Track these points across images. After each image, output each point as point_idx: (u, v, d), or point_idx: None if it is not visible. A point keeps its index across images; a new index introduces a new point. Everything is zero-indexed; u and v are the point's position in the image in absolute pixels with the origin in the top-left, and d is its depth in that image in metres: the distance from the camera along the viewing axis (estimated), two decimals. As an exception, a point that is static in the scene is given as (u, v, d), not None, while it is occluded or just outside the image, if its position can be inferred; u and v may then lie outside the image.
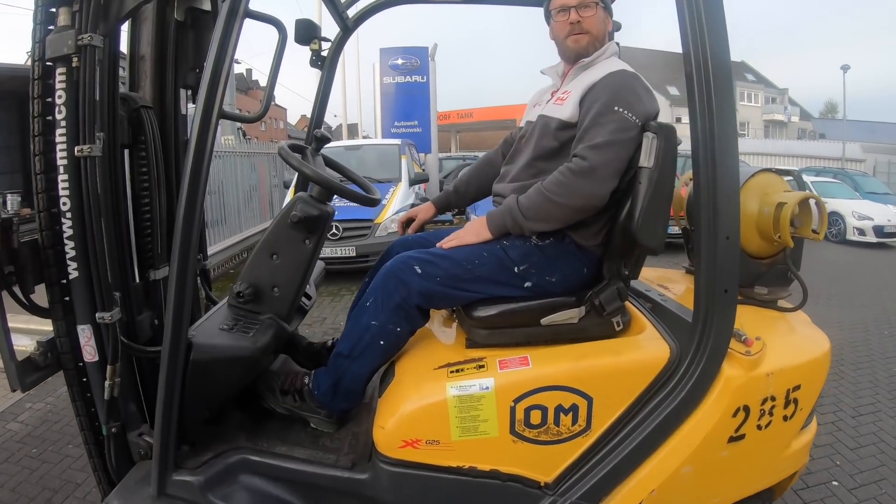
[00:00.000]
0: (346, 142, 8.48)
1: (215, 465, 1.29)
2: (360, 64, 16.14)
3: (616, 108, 1.20)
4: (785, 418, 1.35)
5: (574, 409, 1.20)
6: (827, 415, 2.63)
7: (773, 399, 1.31)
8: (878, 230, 8.93)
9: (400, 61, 10.23)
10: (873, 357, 3.49)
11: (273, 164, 8.09)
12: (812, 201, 1.47)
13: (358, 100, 16.01)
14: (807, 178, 10.74)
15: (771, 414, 1.32)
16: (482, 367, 1.21)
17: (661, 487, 1.24)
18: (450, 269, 1.23)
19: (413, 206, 5.71)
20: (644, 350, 1.25)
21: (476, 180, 1.60)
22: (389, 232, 5.21)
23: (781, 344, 1.38)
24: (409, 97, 10.28)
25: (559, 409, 1.19)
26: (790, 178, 1.60)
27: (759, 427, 1.30)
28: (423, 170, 7.66)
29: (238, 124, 8.18)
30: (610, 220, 1.29)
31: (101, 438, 1.42)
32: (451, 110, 21.70)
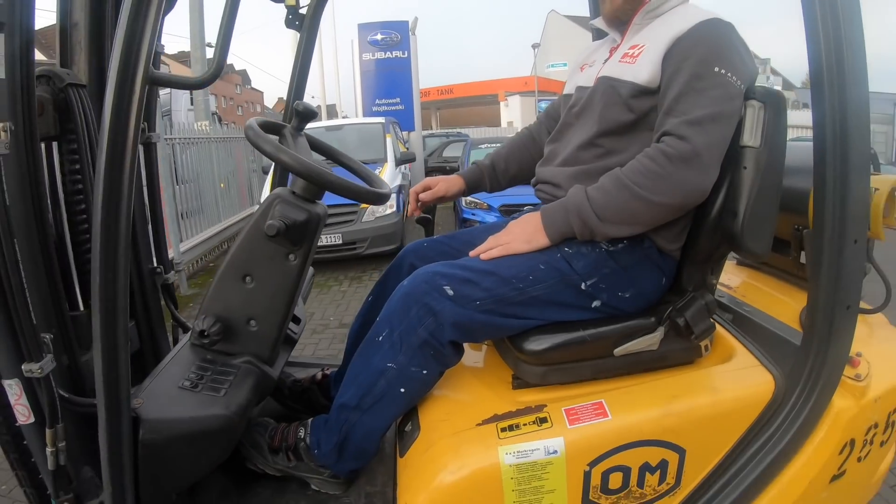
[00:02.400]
0: (325, 122, 7.32)
1: None
2: (337, 42, 14.42)
3: (717, 69, 0.77)
4: (882, 444, 1.00)
5: (663, 465, 0.80)
6: None
7: (875, 426, 0.95)
8: None
9: (379, 36, 9.01)
10: None
11: (250, 150, 6.95)
12: (897, 186, 1.09)
13: (336, 79, 14.39)
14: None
15: (871, 443, 0.96)
16: (545, 420, 0.78)
17: (757, 545, 0.87)
18: (495, 289, 0.80)
19: (400, 188, 4.90)
20: (744, 383, 0.86)
21: (517, 158, 1.11)
22: (377, 216, 4.41)
23: (877, 358, 1.02)
24: (390, 74, 9.07)
25: (645, 468, 0.80)
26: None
27: (858, 459, 0.95)
28: (408, 148, 6.79)
29: (213, 108, 7.19)
30: (694, 215, 0.87)
31: (53, 517, 0.95)
32: (430, 87, 19.75)
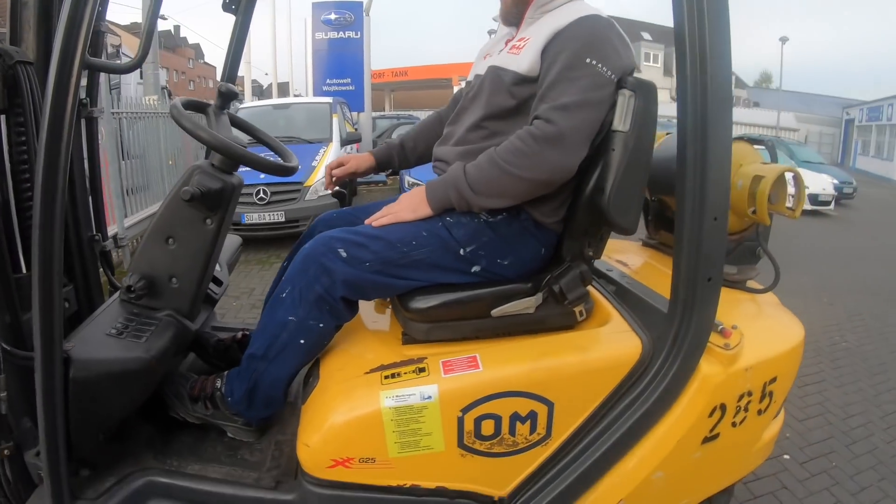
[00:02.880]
0: (273, 100, 7.39)
1: (119, 492, 0.95)
2: (291, 20, 13.87)
3: (588, 61, 0.87)
4: (759, 412, 1.09)
5: (532, 416, 0.90)
6: None
7: (749, 394, 1.04)
8: (813, 198, 8.56)
9: (333, 16, 9.06)
10: (814, 325, 3.27)
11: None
12: (790, 175, 1.18)
13: (289, 57, 13.90)
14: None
15: (746, 410, 1.05)
16: (423, 370, 0.89)
17: (630, 497, 0.97)
18: (382, 251, 0.90)
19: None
20: (612, 345, 0.96)
21: (424, 138, 1.22)
22: (320, 195, 4.53)
23: (757, 332, 1.10)
24: (341, 54, 9.12)
25: (515, 418, 0.90)
26: (762, 147, 1.31)
27: (733, 424, 1.04)
28: (356, 129, 6.85)
29: (164, 83, 7.12)
30: (573, 192, 0.96)
31: (-4, 463, 1.06)
32: (385, 68, 19.76)
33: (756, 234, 1.24)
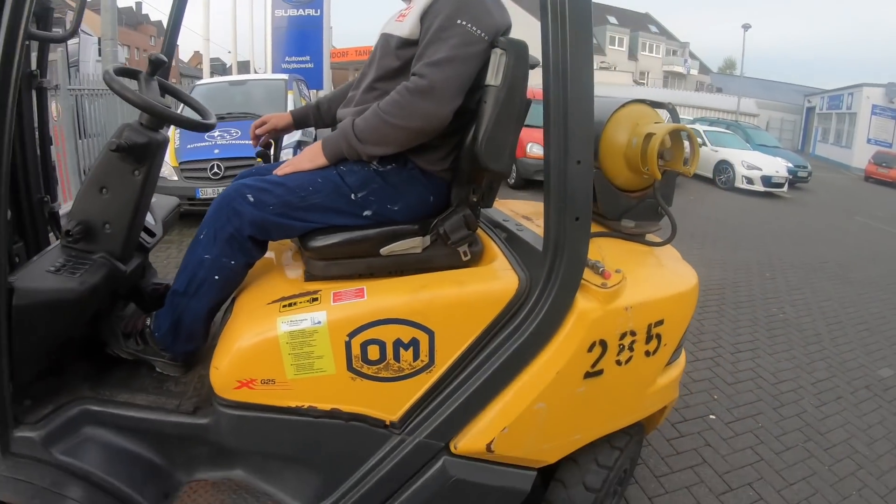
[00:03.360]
0: (230, 77, 7.53)
1: (56, 419, 1.08)
2: None
3: (459, 21, 0.99)
4: (647, 353, 1.19)
5: (414, 343, 1.02)
6: (706, 351, 2.51)
7: (633, 334, 1.14)
8: (766, 180, 8.86)
9: None
10: (754, 298, 3.41)
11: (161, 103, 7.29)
12: (683, 134, 1.28)
13: (251, 36, 13.55)
14: (700, 127, 10.53)
15: (631, 349, 1.15)
16: (315, 300, 1.01)
17: (513, 425, 1.07)
18: (284, 196, 1.03)
19: (300, 143, 4.74)
20: (490, 280, 1.07)
21: (338, 101, 1.34)
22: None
23: (645, 278, 1.22)
24: (301, 31, 9.30)
25: (398, 344, 1.01)
26: (664, 111, 1.41)
27: (618, 363, 1.14)
28: None
29: (124, 61, 7.32)
30: (458, 143, 1.09)
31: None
32: (349, 47, 19.58)
33: (655, 192, 1.34)
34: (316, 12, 9.28)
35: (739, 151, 9.54)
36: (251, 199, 1.02)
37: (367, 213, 1.06)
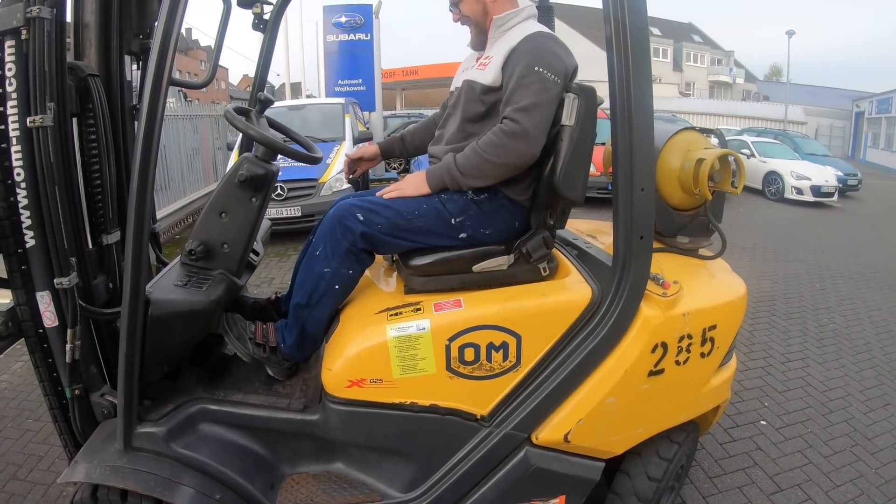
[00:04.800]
0: (289, 102, 8.84)
1: (176, 416, 1.47)
2: (303, 22, 15.99)
3: (537, 69, 1.38)
4: (702, 355, 1.59)
5: (504, 346, 1.41)
6: (757, 360, 2.96)
7: (689, 337, 1.54)
8: (815, 190, 9.79)
9: (343, 19, 10.53)
10: (804, 308, 3.92)
11: (216, 126, 8.32)
12: (731, 158, 1.69)
13: (301, 59, 16.10)
14: (748, 138, 11.72)
15: (688, 351, 1.55)
16: (419, 309, 1.41)
17: (587, 417, 1.47)
18: (391, 218, 1.43)
19: None
20: (568, 291, 1.47)
21: (420, 135, 1.78)
22: (334, 191, 5.49)
23: (699, 287, 1.62)
24: (352, 55, 10.68)
25: (490, 347, 1.41)
26: (713, 136, 1.83)
27: (677, 363, 1.54)
28: (368, 128, 8.00)
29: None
30: (537, 175, 1.49)
31: (64, 402, 1.57)
32: (396, 68, 22.44)
33: (706, 210, 1.75)
34: (366, 37, 10.63)
35: (788, 162, 10.57)
36: (360, 218, 1.42)
37: (462, 235, 1.46)
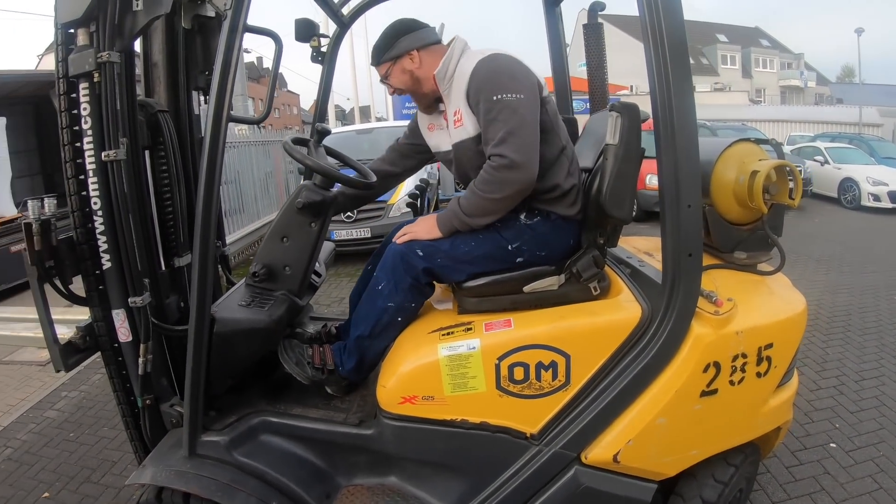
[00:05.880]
0: (357, 126, 9.54)
1: (239, 427, 1.65)
2: (369, 46, 17.12)
3: (495, 98, 1.45)
4: (759, 375, 1.62)
5: (553, 365, 1.50)
6: (829, 379, 2.89)
7: (744, 356, 1.57)
8: (893, 196, 9.51)
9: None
10: (881, 323, 3.79)
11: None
12: (787, 169, 1.72)
13: (369, 82, 17.21)
14: (821, 144, 11.66)
15: (743, 371, 1.59)
16: (470, 329, 1.52)
17: (637, 437, 1.53)
18: (450, 251, 1.56)
19: (427, 184, 6.38)
20: (617, 311, 1.54)
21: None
22: (403, 212, 5.83)
23: (755, 305, 1.65)
24: None
25: (540, 366, 1.50)
26: (769, 146, 1.85)
27: (731, 383, 1.58)
28: None
29: (251, 113, 9.01)
30: (578, 186, 1.58)
31: (136, 411, 1.78)
32: None
33: (764, 224, 1.78)
34: (432, 59, 11.44)
35: (864, 167, 10.40)
36: (420, 254, 1.56)
37: (519, 259, 1.58)
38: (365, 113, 19.83)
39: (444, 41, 1.70)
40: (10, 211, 6.79)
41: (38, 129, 8.01)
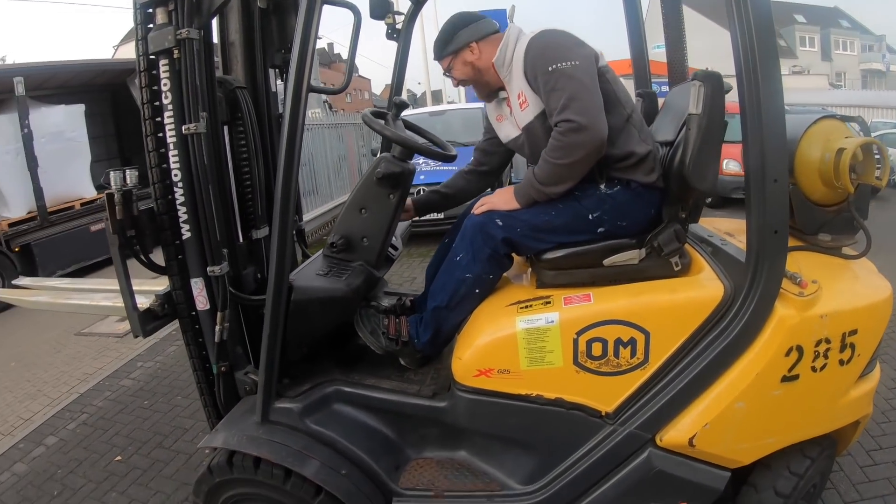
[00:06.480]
0: (430, 108, 9.91)
1: (312, 395, 1.72)
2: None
3: (550, 69, 1.53)
4: (841, 363, 1.61)
5: (632, 342, 1.53)
6: None
7: (827, 342, 1.57)
8: None
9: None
10: None
11: (360, 134, 9.46)
12: (874, 146, 1.70)
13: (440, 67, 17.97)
14: None
15: (826, 357, 1.59)
16: (548, 302, 1.56)
17: (714, 421, 1.54)
18: (529, 220, 1.61)
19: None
20: (699, 288, 1.56)
21: (458, 185, 2.05)
22: (423, 193, 6.04)
23: (839, 289, 1.65)
24: None
25: (618, 343, 1.53)
26: (855, 124, 1.84)
27: (813, 369, 1.57)
28: None
29: (324, 98, 9.66)
30: (657, 155, 1.61)
31: (210, 378, 1.88)
32: None
33: (850, 206, 1.76)
34: (503, 42, 11.97)
35: None
36: (500, 224, 1.61)
37: (601, 229, 1.61)
38: (437, 97, 20.64)
39: (515, 22, 1.78)
40: (90, 193, 7.38)
41: (115, 116, 8.73)
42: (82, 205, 7.12)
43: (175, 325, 1.88)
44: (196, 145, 1.65)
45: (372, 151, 7.76)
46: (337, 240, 1.70)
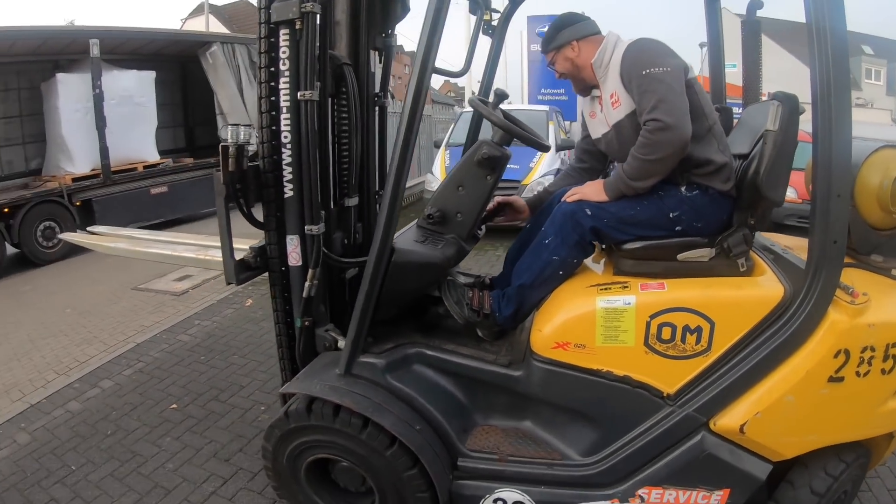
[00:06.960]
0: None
1: (395, 354, 1.90)
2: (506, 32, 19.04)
3: (644, 73, 1.75)
4: (883, 371, 1.81)
5: (699, 330, 1.73)
6: None
7: (872, 349, 1.77)
8: None
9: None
10: None
11: (422, 126, 9.82)
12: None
13: (504, 68, 18.83)
14: None
15: (870, 364, 1.78)
16: (626, 287, 1.76)
17: (765, 411, 1.74)
18: (617, 213, 1.82)
19: (558, 171, 6.84)
20: (762, 288, 1.77)
21: (564, 184, 2.20)
22: (536, 193, 6.24)
23: (887, 303, 1.85)
24: None
25: (686, 329, 1.73)
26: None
27: (857, 374, 1.77)
28: (569, 137, 8.92)
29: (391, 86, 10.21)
30: (733, 167, 1.83)
31: (292, 332, 2.06)
32: None
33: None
34: (569, 46, 12.40)
35: None
36: (589, 213, 1.82)
37: (678, 228, 1.83)
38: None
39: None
40: (154, 157, 7.75)
41: (183, 86, 9.10)
42: (145, 167, 7.44)
43: (232, 288, 2.06)
44: (308, 111, 1.85)
45: (435, 143, 8.25)
46: (434, 212, 1.90)
